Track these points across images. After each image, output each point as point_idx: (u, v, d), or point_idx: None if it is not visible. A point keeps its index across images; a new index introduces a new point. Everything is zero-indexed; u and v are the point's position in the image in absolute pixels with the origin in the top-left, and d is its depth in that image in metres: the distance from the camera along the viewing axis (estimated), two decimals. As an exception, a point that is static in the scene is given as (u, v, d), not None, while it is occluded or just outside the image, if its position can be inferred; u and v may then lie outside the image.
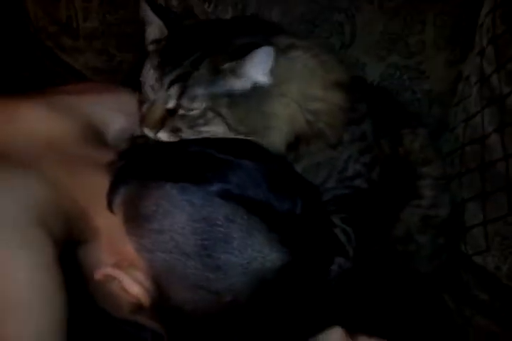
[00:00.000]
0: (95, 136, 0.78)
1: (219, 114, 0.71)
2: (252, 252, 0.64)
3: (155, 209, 0.65)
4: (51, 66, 1.03)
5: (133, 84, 0.95)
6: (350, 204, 0.83)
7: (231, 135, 0.73)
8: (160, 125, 0.72)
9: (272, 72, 0.71)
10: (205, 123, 0.72)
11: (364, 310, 0.83)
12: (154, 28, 0.74)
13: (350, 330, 0.70)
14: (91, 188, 0.68)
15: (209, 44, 0.72)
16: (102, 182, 0.68)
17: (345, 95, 0.80)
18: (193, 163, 0.68)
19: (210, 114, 0.71)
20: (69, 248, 0.66)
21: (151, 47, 0.75)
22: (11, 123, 0.74)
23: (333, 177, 0.82)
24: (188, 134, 0.72)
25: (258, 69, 0.70)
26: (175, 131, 0.72)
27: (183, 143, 0.73)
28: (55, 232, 0.63)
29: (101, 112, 0.80)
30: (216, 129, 0.72)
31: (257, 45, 0.69)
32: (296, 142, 0.77)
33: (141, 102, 0.74)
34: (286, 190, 0.67)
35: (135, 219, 0.66)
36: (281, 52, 0.73)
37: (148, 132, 0.72)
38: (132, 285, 0.65)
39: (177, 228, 0.64)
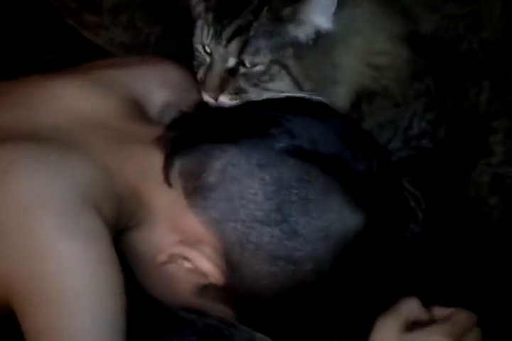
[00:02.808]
0: (139, 111, 0.74)
1: (285, 67, 0.67)
2: (331, 214, 0.60)
3: (220, 177, 0.60)
4: (73, 45, 0.99)
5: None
6: (418, 166, 0.80)
7: (297, 92, 0.68)
8: (221, 88, 0.68)
9: (336, 19, 0.67)
10: (271, 79, 0.68)
11: (437, 278, 0.79)
12: None
13: (425, 301, 0.65)
14: (141, 166, 0.64)
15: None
16: (152, 159, 0.64)
17: (409, 48, 0.76)
18: (253, 122, 0.63)
19: (275, 68, 0.67)
20: (116, 234, 0.61)
21: (199, 8, 0.70)
22: (53, 103, 0.70)
23: (398, 137, 0.78)
24: (252, 94, 0.68)
25: (319, 13, 0.66)
26: (238, 92, 0.68)
27: (238, 106, 0.69)
28: (107, 216, 0.59)
29: (144, 86, 0.76)
30: (282, 85, 0.68)
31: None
32: (359, 101, 0.74)
33: (197, 68, 0.71)
34: (361, 149, 0.63)
35: (198, 190, 0.61)
36: None
37: (209, 98, 0.68)
38: (203, 262, 0.60)
39: (247, 194, 0.59)
